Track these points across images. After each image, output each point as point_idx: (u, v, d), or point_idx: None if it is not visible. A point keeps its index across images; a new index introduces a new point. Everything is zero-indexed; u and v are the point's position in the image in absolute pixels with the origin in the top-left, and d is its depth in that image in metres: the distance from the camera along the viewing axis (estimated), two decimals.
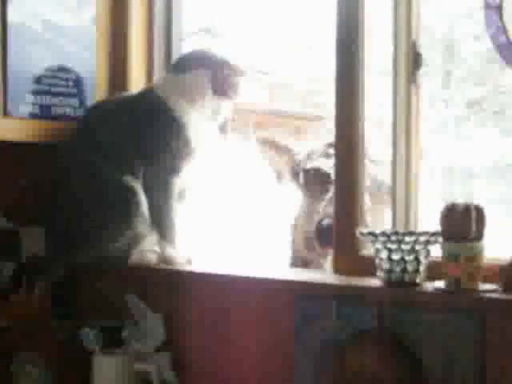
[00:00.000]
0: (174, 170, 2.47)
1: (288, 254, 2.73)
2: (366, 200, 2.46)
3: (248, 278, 2.32)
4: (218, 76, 2.49)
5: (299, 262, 2.65)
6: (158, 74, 2.82)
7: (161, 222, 2.48)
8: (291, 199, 2.82)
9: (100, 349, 2.40)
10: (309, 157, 2.70)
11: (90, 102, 2.72)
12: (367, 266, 2.13)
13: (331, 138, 2.43)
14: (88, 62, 2.74)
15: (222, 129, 2.63)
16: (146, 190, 2.47)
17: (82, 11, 2.72)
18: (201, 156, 2.52)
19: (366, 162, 2.49)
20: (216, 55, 2.52)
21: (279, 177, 2.80)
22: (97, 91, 2.76)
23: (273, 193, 3.06)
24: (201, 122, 2.50)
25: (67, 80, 2.68)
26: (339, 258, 2.28)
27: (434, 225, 1.96)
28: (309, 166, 2.59)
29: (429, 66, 2.29)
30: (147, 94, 2.56)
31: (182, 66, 2.53)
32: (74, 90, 2.70)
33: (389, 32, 2.22)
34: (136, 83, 2.80)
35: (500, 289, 1.90)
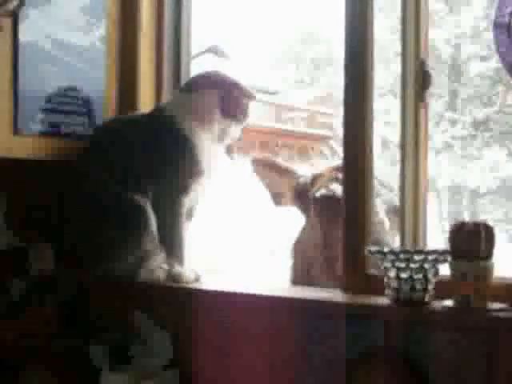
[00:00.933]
0: (183, 189, 2.47)
1: (288, 273, 2.72)
2: (386, 226, 2.45)
3: (256, 295, 2.32)
4: (227, 98, 2.50)
5: (301, 282, 2.63)
6: (167, 93, 2.83)
7: (169, 240, 2.48)
8: (292, 221, 2.80)
9: (108, 366, 2.40)
10: (315, 180, 2.67)
11: (99, 121, 2.74)
12: (376, 285, 2.13)
13: (337, 159, 2.42)
14: (97, 81, 2.76)
15: (228, 150, 2.64)
16: (155, 209, 2.47)
17: (91, 31, 2.74)
18: (209, 176, 2.52)
19: (380, 187, 2.49)
20: (227, 77, 2.52)
21: (277, 199, 2.78)
22: (106, 110, 2.78)
23: (270, 214, 3.04)
24: (210, 142, 2.51)
25: (77, 99, 2.70)
26: (348, 276, 2.28)
27: (440, 243, 1.96)
28: (321, 191, 2.56)
29: (435, 86, 2.30)
30: (158, 114, 2.57)
31: (192, 87, 2.54)
32: (84, 109, 2.72)
33: (397, 52, 2.23)
34: (145, 102, 2.81)
35: (509, 308, 1.91)
